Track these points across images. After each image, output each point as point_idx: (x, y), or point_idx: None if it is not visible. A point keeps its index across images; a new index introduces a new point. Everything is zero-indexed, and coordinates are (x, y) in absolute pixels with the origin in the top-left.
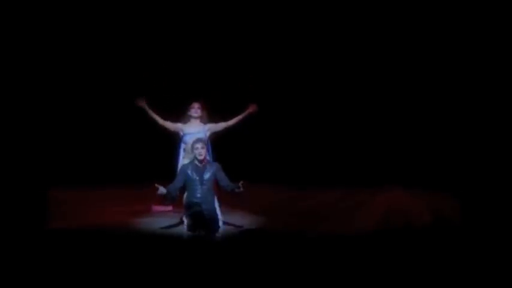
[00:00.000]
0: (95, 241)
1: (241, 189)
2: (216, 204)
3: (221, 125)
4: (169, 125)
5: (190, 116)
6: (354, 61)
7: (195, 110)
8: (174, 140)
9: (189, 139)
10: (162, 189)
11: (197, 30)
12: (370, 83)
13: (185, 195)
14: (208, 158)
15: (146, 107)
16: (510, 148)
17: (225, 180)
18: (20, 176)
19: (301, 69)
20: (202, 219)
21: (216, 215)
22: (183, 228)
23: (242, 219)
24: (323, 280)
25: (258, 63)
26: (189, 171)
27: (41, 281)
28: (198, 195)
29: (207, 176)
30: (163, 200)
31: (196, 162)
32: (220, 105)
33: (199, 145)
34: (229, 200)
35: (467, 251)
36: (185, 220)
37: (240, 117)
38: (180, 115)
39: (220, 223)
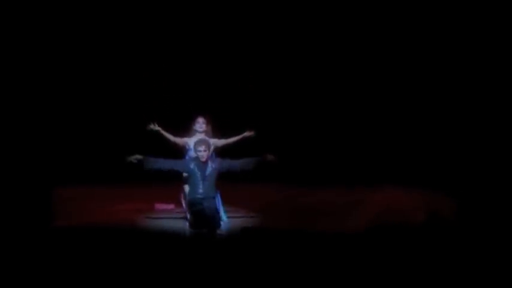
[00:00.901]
0: (98, 239)
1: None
2: (219, 202)
3: (221, 142)
4: (178, 140)
5: (196, 131)
6: (354, 61)
7: (200, 124)
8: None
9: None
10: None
11: (196, 31)
12: (370, 83)
13: (187, 191)
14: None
15: (160, 130)
16: (506, 148)
17: (233, 163)
18: (25, 175)
19: (301, 68)
20: (204, 217)
21: (218, 212)
22: (186, 226)
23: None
24: (322, 277)
25: (257, 64)
26: (192, 166)
27: (46, 278)
28: (200, 190)
29: (208, 171)
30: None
31: (199, 161)
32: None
33: (202, 147)
34: (231, 198)
35: (462, 249)
36: (187, 217)
37: (237, 138)
38: (185, 129)
39: (222, 220)
